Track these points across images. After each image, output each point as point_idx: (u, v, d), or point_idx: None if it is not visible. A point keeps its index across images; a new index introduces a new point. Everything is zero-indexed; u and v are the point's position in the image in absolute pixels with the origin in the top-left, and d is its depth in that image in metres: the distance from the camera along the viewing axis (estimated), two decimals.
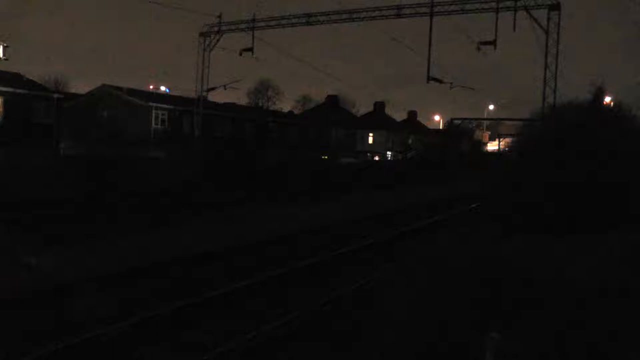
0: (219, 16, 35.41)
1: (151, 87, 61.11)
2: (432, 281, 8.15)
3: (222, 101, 50.30)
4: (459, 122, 65.73)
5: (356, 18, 32.41)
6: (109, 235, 13.78)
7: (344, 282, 10.53)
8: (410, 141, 64.15)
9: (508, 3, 28.16)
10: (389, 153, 67.36)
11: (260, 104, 57.26)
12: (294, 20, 33.93)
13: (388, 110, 75.80)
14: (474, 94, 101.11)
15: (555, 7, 27.90)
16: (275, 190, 25.12)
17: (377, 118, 71.19)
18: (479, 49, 28.54)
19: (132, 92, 42.67)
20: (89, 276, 9.55)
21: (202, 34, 36.78)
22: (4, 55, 33.06)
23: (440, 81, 31.02)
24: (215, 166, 26.93)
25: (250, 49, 34.32)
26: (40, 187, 19.66)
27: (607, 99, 19.24)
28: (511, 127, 64.81)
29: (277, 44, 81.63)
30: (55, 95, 37.11)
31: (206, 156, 28.63)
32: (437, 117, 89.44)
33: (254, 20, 34.50)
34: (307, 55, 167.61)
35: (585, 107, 14.25)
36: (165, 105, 41.93)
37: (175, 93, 51.38)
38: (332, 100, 68.68)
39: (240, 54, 34.66)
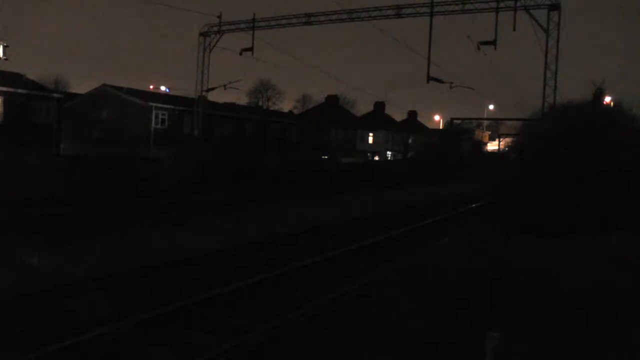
0: (219, 16, 35.42)
1: (151, 87, 61.12)
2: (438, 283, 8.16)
3: (222, 101, 50.31)
4: (459, 122, 65.78)
5: (356, 18, 32.40)
6: (113, 234, 13.81)
7: (341, 283, 10.52)
8: (410, 141, 64.22)
9: (508, 3, 28.13)
10: (389, 153, 67.39)
11: (260, 104, 57.36)
12: (294, 20, 33.91)
13: (388, 110, 75.96)
14: (474, 94, 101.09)
15: (555, 7, 27.90)
16: (275, 190, 25.15)
17: (377, 118, 71.22)
18: (479, 48, 28.53)
19: (132, 92, 42.65)
20: (93, 275, 9.56)
21: (202, 34, 36.76)
22: (4, 55, 33.00)
23: (440, 81, 31.00)
24: (215, 166, 26.93)
25: (250, 49, 34.30)
26: (41, 188, 19.67)
27: (607, 99, 19.26)
28: (511, 127, 64.88)
29: (277, 44, 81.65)
30: (55, 95, 37.05)
31: (206, 156, 28.62)
32: (437, 117, 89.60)
33: (254, 20, 34.49)
34: (307, 55, 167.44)
35: (585, 107, 14.25)
36: (165, 105, 41.90)
37: (175, 93, 51.38)
38: (332, 100, 68.69)
39: (240, 54, 34.66)
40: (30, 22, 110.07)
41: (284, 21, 34.20)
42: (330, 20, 32.96)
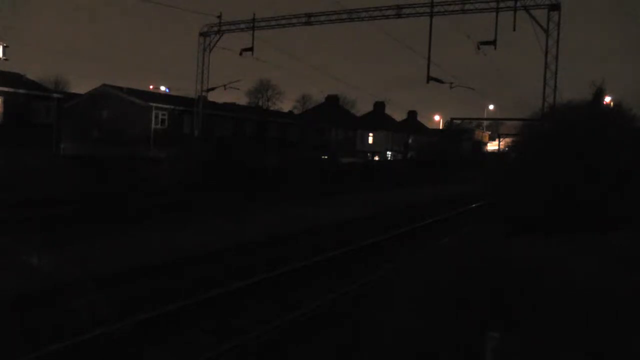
0: (219, 16, 35.48)
1: (151, 87, 61.12)
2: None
3: (222, 101, 50.35)
4: (459, 122, 65.83)
5: (356, 18, 32.44)
6: (113, 234, 13.82)
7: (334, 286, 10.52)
8: (410, 141, 64.29)
9: (508, 3, 28.18)
10: (389, 153, 67.42)
11: (260, 104, 57.38)
12: (294, 20, 33.96)
13: (388, 110, 75.99)
14: (474, 94, 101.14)
15: (555, 7, 27.94)
16: (274, 190, 25.15)
17: (377, 118, 71.25)
18: (479, 48, 28.57)
19: (132, 92, 42.67)
20: (94, 275, 9.56)
21: (202, 34, 36.81)
22: (4, 55, 33.04)
23: (440, 81, 31.03)
24: (215, 166, 26.94)
25: (250, 49, 34.35)
26: (41, 187, 19.66)
27: (607, 99, 19.26)
28: (511, 127, 64.90)
29: (277, 44, 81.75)
30: (55, 95, 37.09)
31: (206, 156, 28.64)
32: (437, 117, 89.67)
33: (254, 20, 34.53)
34: (307, 56, 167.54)
35: (585, 107, 14.25)
36: (165, 105, 41.93)
37: (175, 93, 51.42)
38: (332, 100, 68.70)
39: (240, 54, 34.70)
40: (30, 22, 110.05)
41: (284, 21, 34.27)
42: (330, 20, 33.01)
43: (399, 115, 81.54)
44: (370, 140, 66.41)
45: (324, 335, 7.72)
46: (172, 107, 41.99)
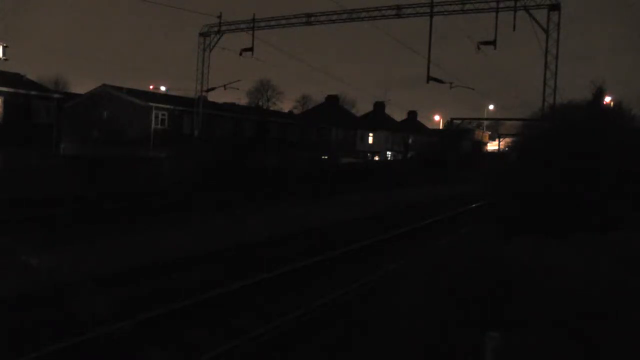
0: (219, 16, 35.51)
1: (151, 87, 61.16)
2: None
3: (222, 101, 50.38)
4: (459, 122, 65.81)
5: (356, 18, 32.46)
6: (113, 234, 13.82)
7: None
8: (410, 141, 64.30)
9: (508, 3, 28.20)
10: (389, 153, 67.43)
11: (260, 104, 57.41)
12: (294, 20, 33.98)
13: (388, 110, 76.04)
14: (474, 94, 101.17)
15: (555, 7, 27.95)
16: (275, 191, 25.16)
17: (377, 118, 71.28)
18: (479, 48, 28.58)
19: (132, 92, 42.68)
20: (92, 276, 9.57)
21: (202, 34, 36.82)
22: (4, 55, 33.06)
23: (440, 81, 31.04)
24: (215, 166, 26.96)
25: (250, 49, 34.37)
26: (41, 187, 19.68)
27: (607, 99, 19.30)
28: (511, 127, 64.88)
29: (277, 44, 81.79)
30: (55, 95, 37.09)
31: (206, 156, 28.66)
32: (437, 117, 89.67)
33: (254, 20, 34.56)
34: (307, 56, 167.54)
35: (585, 106, 14.24)
36: (165, 105, 41.93)
37: (175, 93, 51.44)
38: (332, 100, 68.72)
39: (240, 54, 34.72)
40: (30, 22, 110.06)
41: (283, 21, 34.29)
42: (331, 20, 33.03)
43: (399, 115, 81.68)
44: (370, 140, 66.41)
45: (324, 334, 7.74)
46: (172, 107, 42.00)
